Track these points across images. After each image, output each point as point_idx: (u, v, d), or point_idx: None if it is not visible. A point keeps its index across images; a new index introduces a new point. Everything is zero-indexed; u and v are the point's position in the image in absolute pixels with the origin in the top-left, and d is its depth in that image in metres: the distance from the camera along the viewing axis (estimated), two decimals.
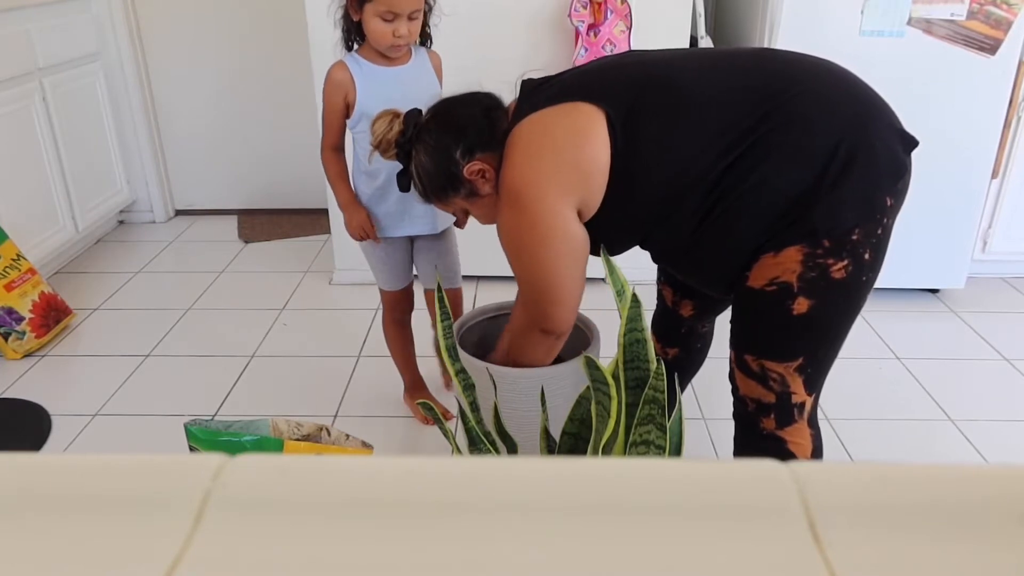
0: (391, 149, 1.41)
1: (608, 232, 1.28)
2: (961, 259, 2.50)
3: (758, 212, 1.18)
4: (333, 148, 1.73)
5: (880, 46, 2.23)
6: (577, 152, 1.20)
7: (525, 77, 1.34)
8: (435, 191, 1.37)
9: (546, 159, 1.22)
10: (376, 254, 1.82)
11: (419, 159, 1.35)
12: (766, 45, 2.30)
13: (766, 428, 1.30)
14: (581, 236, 1.26)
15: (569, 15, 2.28)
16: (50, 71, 2.70)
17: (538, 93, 1.28)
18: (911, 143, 1.20)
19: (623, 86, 1.22)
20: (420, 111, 1.40)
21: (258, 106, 3.29)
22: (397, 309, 1.91)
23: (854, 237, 1.16)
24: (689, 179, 1.19)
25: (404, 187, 1.44)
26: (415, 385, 2.01)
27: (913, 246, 2.40)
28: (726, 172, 1.17)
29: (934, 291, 2.64)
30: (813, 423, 1.31)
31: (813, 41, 2.14)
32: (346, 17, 1.64)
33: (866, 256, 1.18)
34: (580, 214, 1.25)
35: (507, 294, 1.72)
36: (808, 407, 1.28)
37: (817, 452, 1.33)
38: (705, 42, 2.47)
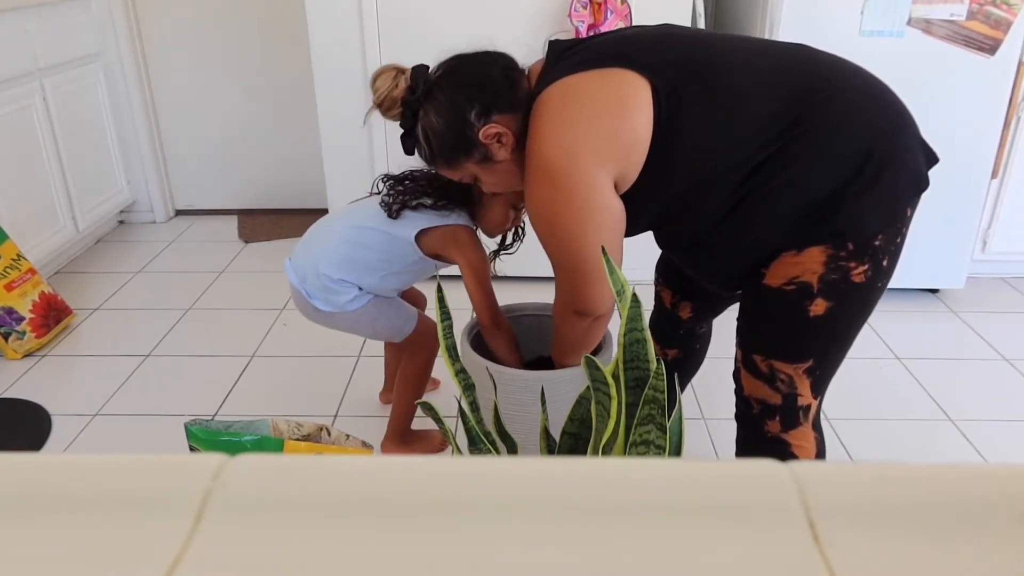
0: (395, 108, 1.28)
1: (631, 211, 1.22)
2: (961, 259, 2.50)
3: (784, 211, 1.16)
4: (502, 321, 1.55)
5: (880, 46, 2.22)
6: (618, 122, 1.13)
7: (552, 38, 1.27)
8: (444, 155, 1.27)
9: (582, 127, 1.14)
10: (384, 311, 1.67)
11: (428, 119, 1.24)
12: None
13: (770, 431, 1.28)
14: (619, 209, 1.19)
15: (569, 15, 2.28)
16: (50, 71, 2.70)
17: (569, 56, 1.20)
18: (932, 158, 1.20)
19: (669, 61, 1.16)
20: (427, 66, 1.28)
21: (258, 106, 3.29)
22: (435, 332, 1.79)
23: (876, 243, 1.15)
24: (721, 170, 1.16)
25: (408, 150, 1.32)
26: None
27: (913, 246, 2.37)
28: (758, 168, 1.15)
29: (934, 291, 2.64)
30: (817, 427, 1.30)
31: (813, 41, 2.11)
32: (451, 183, 1.43)
33: (884, 263, 1.17)
34: (615, 187, 1.18)
35: (506, 296, 1.71)
36: (813, 410, 1.27)
37: (821, 456, 1.31)
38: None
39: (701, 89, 1.15)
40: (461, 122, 1.22)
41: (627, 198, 1.20)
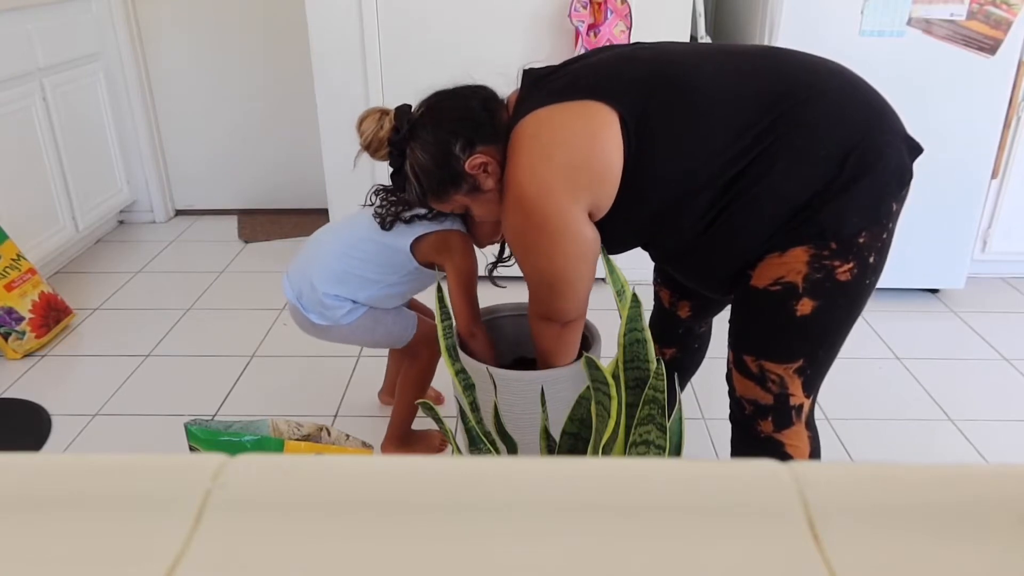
0: (383, 148, 1.33)
1: (613, 233, 1.26)
2: (961, 259, 2.50)
3: (766, 217, 1.17)
4: (478, 331, 1.56)
5: (880, 46, 2.23)
6: (590, 154, 1.17)
7: (527, 67, 1.30)
8: (434, 190, 1.32)
9: (557, 160, 1.18)
10: (381, 321, 1.67)
11: (415, 157, 1.29)
12: (767, 45, 2.30)
13: (764, 431, 1.29)
14: (592, 237, 1.23)
15: (569, 15, 2.28)
16: (50, 71, 2.70)
17: (543, 85, 1.23)
18: (916, 150, 1.20)
19: (636, 85, 1.18)
20: (410, 106, 1.34)
21: (258, 106, 3.29)
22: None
23: (860, 240, 1.15)
24: (699, 184, 1.18)
25: (399, 188, 1.38)
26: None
27: (913, 246, 2.40)
28: (736, 178, 1.16)
29: (934, 291, 2.64)
30: (811, 425, 1.31)
31: (813, 41, 2.13)
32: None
33: (871, 260, 1.18)
34: (590, 215, 1.22)
35: (495, 296, 1.71)
36: (806, 409, 1.28)
37: (815, 454, 1.32)
38: (704, 42, 2.47)
39: (669, 113, 1.17)
40: (447, 156, 1.26)
41: (606, 222, 1.23)
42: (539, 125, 1.20)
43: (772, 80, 1.19)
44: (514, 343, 1.68)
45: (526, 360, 1.63)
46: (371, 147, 1.35)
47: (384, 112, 1.34)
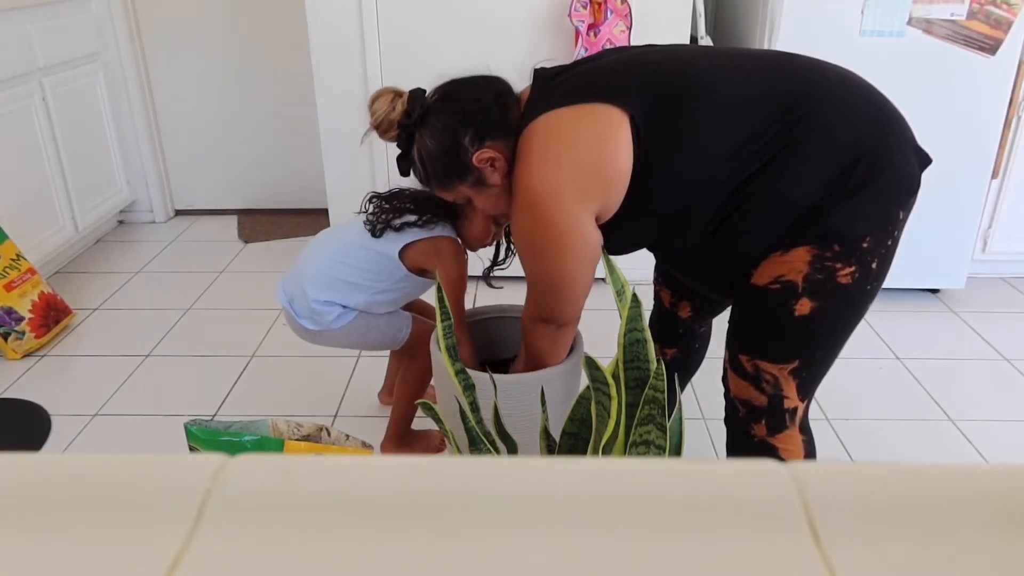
0: (392, 130, 1.32)
1: (620, 234, 1.26)
2: (961, 259, 2.50)
3: (773, 221, 1.17)
4: (463, 338, 1.56)
5: (880, 46, 2.23)
6: (600, 158, 1.17)
7: (538, 66, 1.29)
8: (438, 178, 1.31)
9: (567, 164, 1.17)
10: (374, 324, 1.68)
11: (424, 143, 1.28)
12: (766, 45, 2.30)
13: (757, 435, 1.29)
14: (597, 240, 1.23)
15: (569, 15, 2.28)
16: (50, 71, 2.70)
17: (554, 86, 1.23)
18: (925, 160, 1.20)
19: (648, 87, 1.18)
20: (424, 90, 1.32)
21: (258, 106, 3.29)
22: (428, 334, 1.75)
23: (864, 245, 1.15)
24: (707, 189, 1.17)
25: (404, 171, 1.36)
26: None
27: (913, 246, 2.40)
28: (745, 182, 1.16)
29: (934, 291, 2.64)
30: (805, 429, 1.30)
31: (813, 41, 2.14)
32: (434, 195, 1.44)
33: (873, 265, 1.17)
34: (597, 218, 1.22)
35: (501, 297, 1.72)
36: (800, 413, 1.27)
37: (810, 459, 1.32)
38: (705, 42, 2.47)
39: (680, 117, 1.17)
40: (455, 146, 1.25)
41: (613, 224, 1.23)
42: (550, 128, 1.19)
43: (783, 86, 1.18)
44: (496, 342, 1.69)
45: (495, 362, 1.63)
46: (380, 128, 1.33)
47: (398, 93, 1.32)
